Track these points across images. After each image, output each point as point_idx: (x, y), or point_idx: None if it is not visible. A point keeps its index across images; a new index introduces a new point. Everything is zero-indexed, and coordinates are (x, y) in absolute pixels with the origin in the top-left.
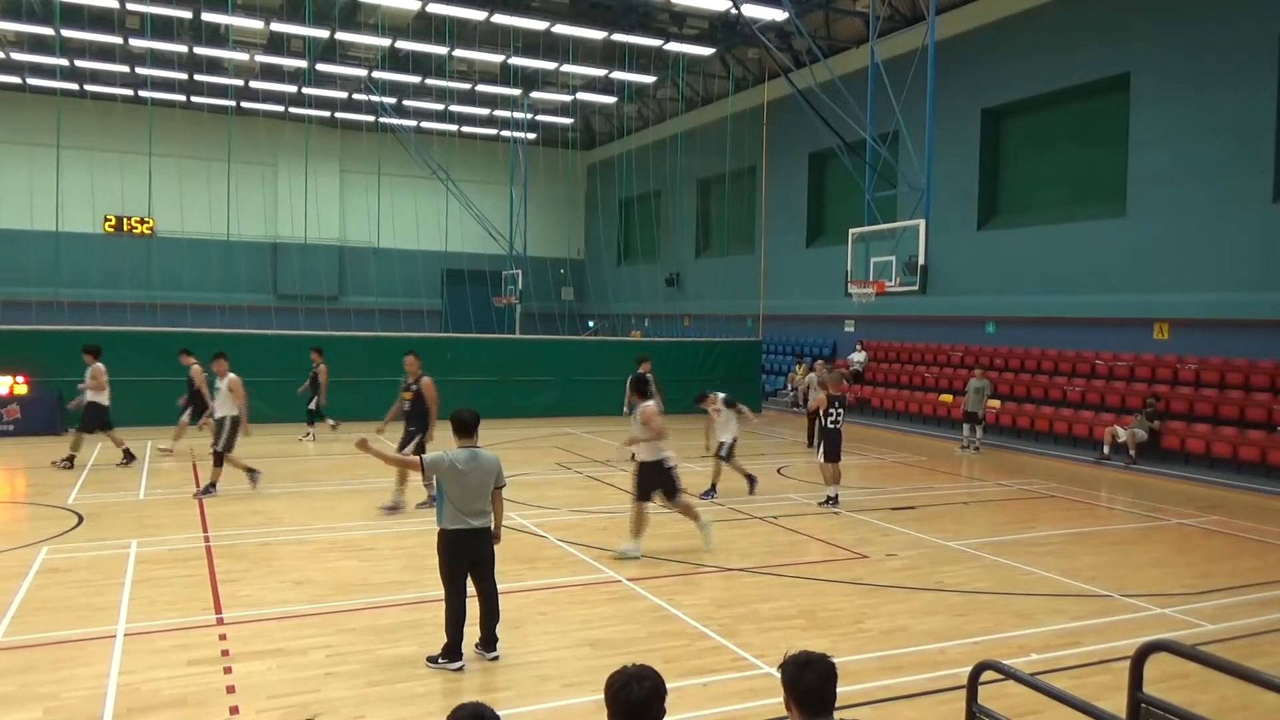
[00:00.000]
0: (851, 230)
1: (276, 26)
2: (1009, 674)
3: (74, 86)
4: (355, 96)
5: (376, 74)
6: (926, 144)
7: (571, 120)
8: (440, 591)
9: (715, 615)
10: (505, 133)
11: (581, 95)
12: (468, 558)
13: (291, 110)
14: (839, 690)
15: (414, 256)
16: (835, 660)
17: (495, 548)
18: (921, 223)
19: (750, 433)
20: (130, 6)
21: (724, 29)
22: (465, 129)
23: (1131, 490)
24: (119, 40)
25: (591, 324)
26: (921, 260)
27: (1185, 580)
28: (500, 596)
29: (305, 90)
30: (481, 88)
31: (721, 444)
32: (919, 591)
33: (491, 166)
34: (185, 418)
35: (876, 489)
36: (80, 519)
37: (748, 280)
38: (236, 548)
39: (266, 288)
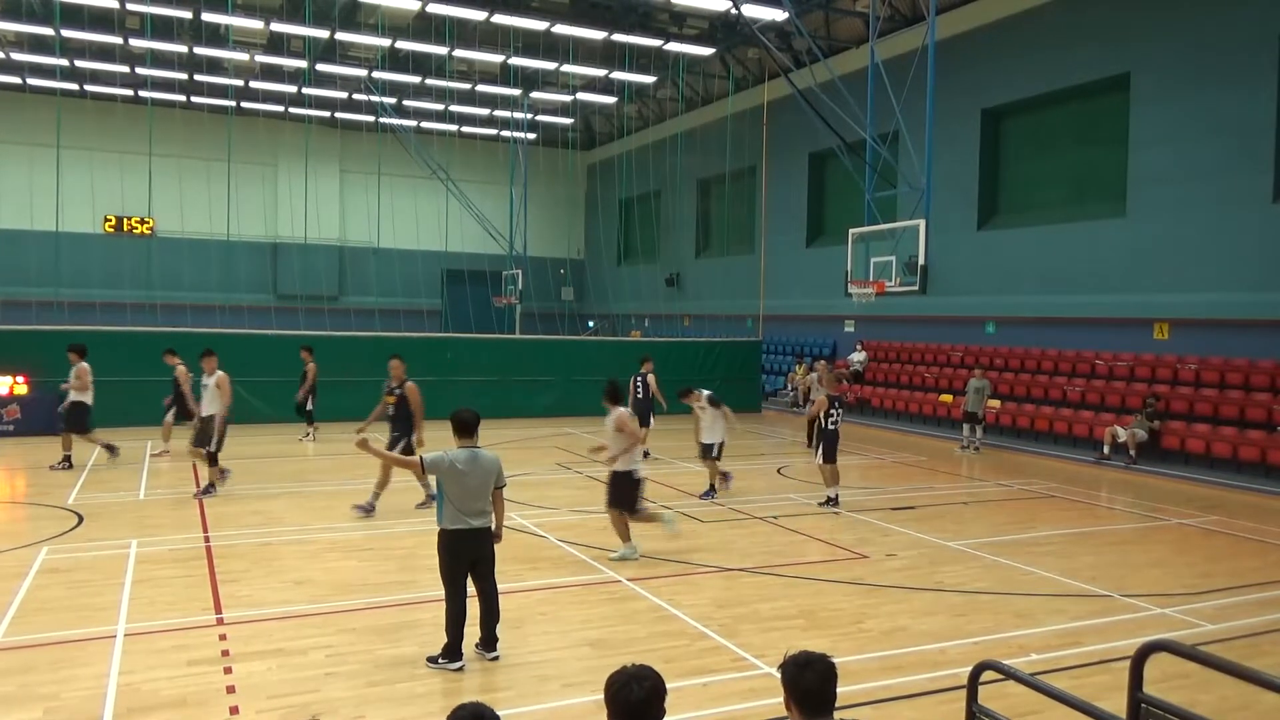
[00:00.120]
0: (851, 230)
1: (276, 26)
2: (1009, 674)
3: (74, 86)
4: (355, 96)
5: (376, 74)
6: (926, 144)
7: (571, 120)
8: (440, 591)
9: (715, 615)
10: (505, 133)
11: (581, 95)
12: (468, 557)
13: (291, 110)
14: (839, 690)
15: (414, 256)
16: (835, 660)
17: (495, 548)
18: (921, 223)
19: (750, 433)
20: (130, 6)
21: (724, 29)
22: (465, 129)
23: (1131, 490)
24: (119, 40)
25: (591, 324)
26: (921, 260)
27: (1185, 580)
28: (500, 596)
29: (305, 90)
30: (481, 88)
31: (711, 445)
32: (919, 591)
33: (491, 166)
34: (169, 417)
35: (876, 489)
36: (80, 519)
37: (748, 280)
38: (236, 548)
39: (266, 288)
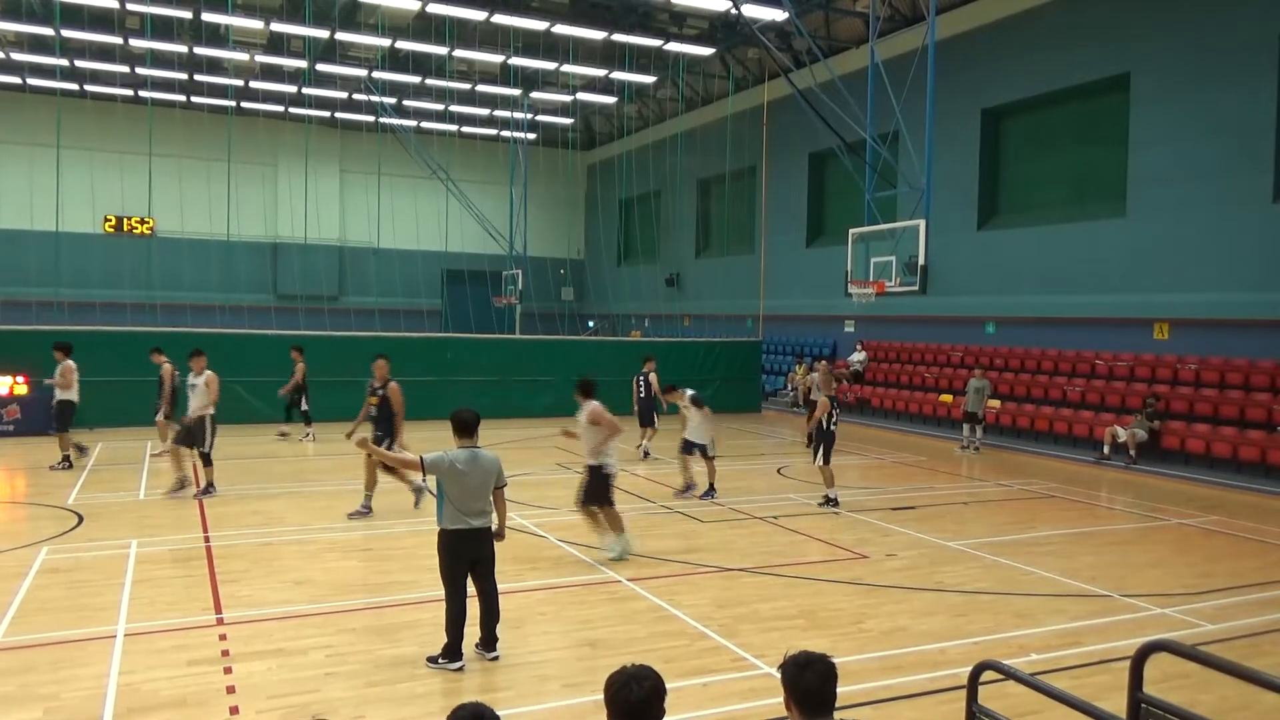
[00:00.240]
0: (851, 230)
1: (276, 26)
2: (1009, 674)
3: (74, 86)
4: (355, 96)
5: (376, 74)
6: (926, 144)
7: (571, 120)
8: (440, 591)
9: (715, 615)
10: (505, 133)
11: (581, 95)
12: (468, 557)
13: (291, 110)
14: (839, 690)
15: (414, 256)
16: (835, 660)
17: (496, 547)
18: (921, 223)
19: (750, 433)
20: (130, 6)
21: (724, 29)
22: (465, 129)
23: (1131, 490)
24: (119, 40)
25: (591, 324)
26: (921, 260)
27: (1185, 580)
28: (500, 596)
29: (305, 90)
30: (481, 88)
31: (693, 444)
32: (919, 591)
33: (491, 166)
34: (160, 416)
35: (876, 489)
36: (80, 519)
37: (748, 280)
38: (236, 548)
39: (266, 288)
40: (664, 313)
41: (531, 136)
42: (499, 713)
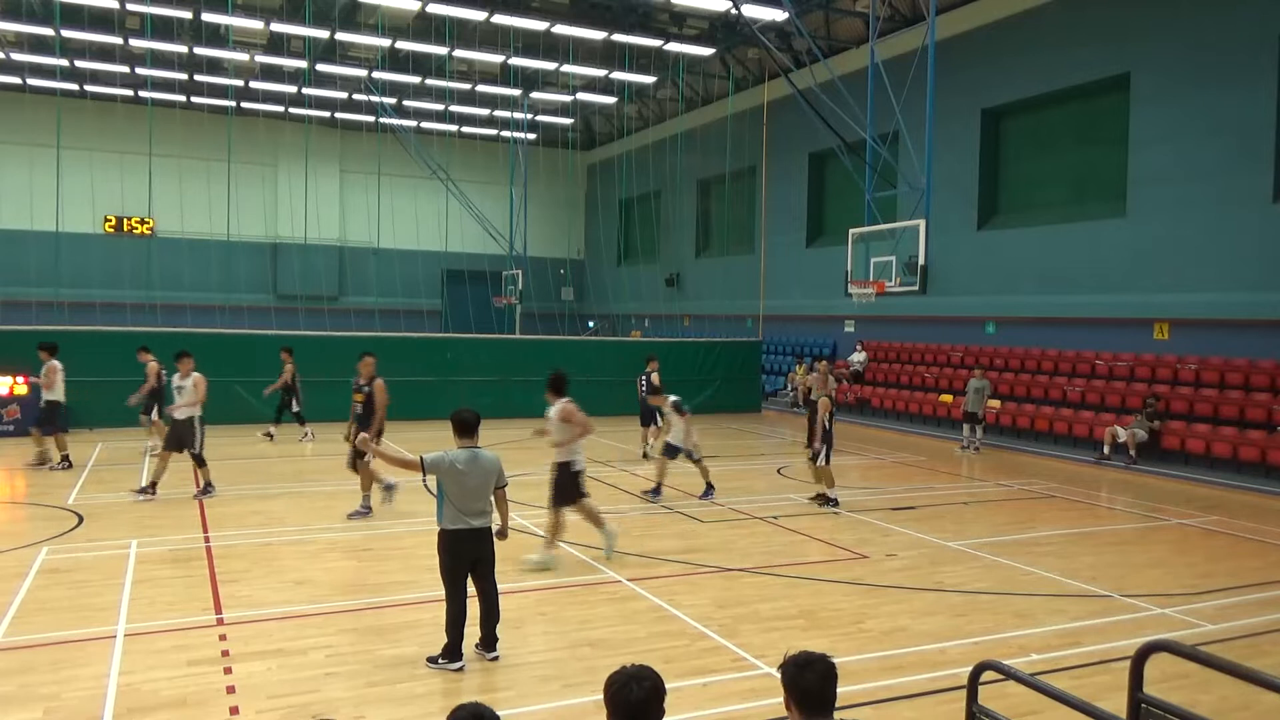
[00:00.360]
0: (851, 230)
1: (276, 27)
2: (1009, 674)
3: (74, 87)
4: (355, 97)
5: (376, 74)
6: (926, 144)
7: (571, 120)
8: (440, 591)
9: (715, 615)
10: (505, 133)
11: (581, 95)
12: (468, 557)
13: (291, 110)
14: (839, 690)
15: (414, 257)
16: (835, 660)
17: (495, 548)
18: (921, 223)
19: (750, 433)
20: (130, 6)
21: (724, 29)
22: (465, 129)
23: (1131, 490)
24: (119, 40)
25: (592, 324)
26: (921, 260)
27: (1185, 580)
28: (500, 596)
29: (305, 90)
30: (481, 88)
31: (681, 450)
32: (919, 591)
33: (491, 166)
34: (155, 415)
35: (876, 489)
36: (80, 519)
37: (748, 280)
38: (236, 548)
39: (266, 288)
40: (664, 313)
41: (531, 136)
42: (499, 713)
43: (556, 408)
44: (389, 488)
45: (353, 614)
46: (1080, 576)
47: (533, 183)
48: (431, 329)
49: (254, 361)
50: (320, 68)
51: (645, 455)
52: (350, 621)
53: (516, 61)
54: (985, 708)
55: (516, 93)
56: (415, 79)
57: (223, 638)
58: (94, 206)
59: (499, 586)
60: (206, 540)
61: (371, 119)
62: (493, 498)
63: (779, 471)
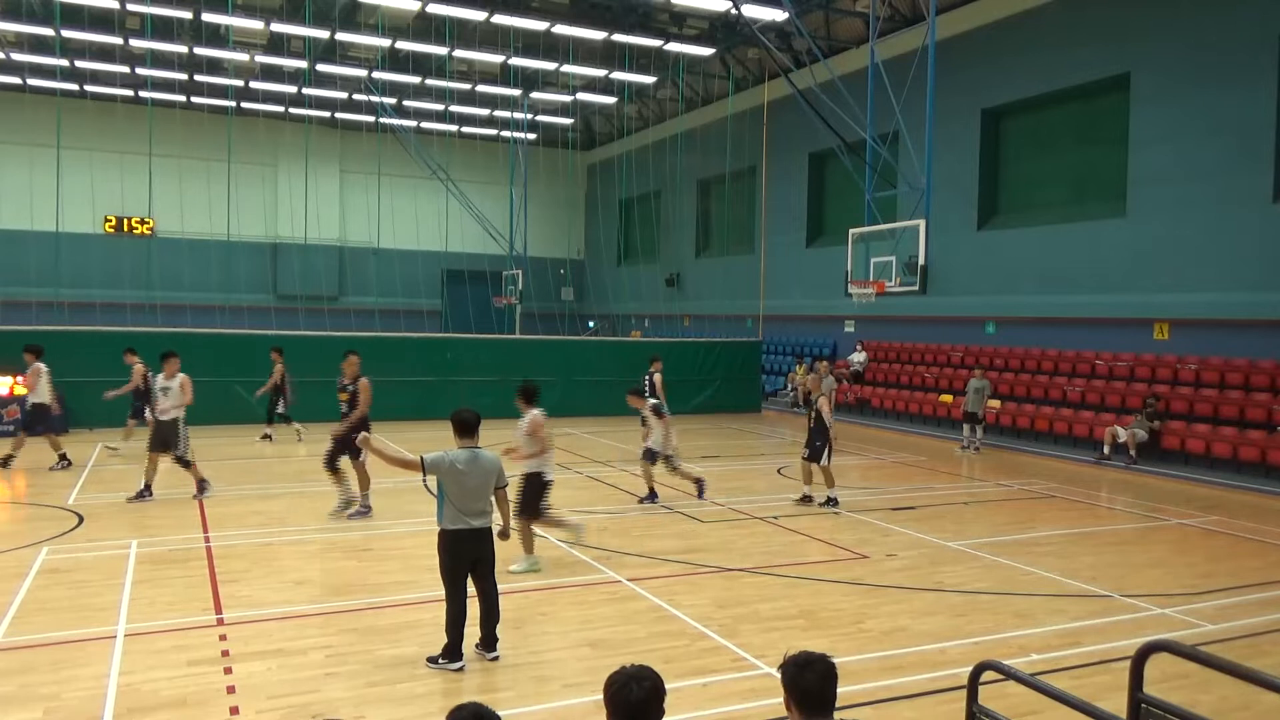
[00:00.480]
0: (851, 230)
1: (276, 27)
2: (1009, 674)
3: (74, 87)
4: (355, 97)
5: (376, 74)
6: (926, 144)
7: (571, 120)
8: (440, 592)
9: (715, 615)
10: (505, 133)
11: (581, 95)
12: (468, 557)
13: (291, 110)
14: (839, 690)
15: (414, 257)
16: (835, 660)
17: (495, 548)
18: (921, 223)
19: (750, 433)
20: (130, 7)
21: (724, 29)
22: (465, 129)
23: (1131, 490)
24: (119, 40)
25: (592, 324)
26: (921, 260)
27: (1185, 580)
28: (500, 597)
29: (305, 90)
30: (481, 88)
31: (660, 454)
32: (919, 592)
33: (491, 167)
34: (149, 415)
35: (877, 489)
36: (80, 519)
37: (748, 280)
38: (236, 548)
39: (266, 288)
40: (664, 313)
41: (531, 136)
42: (499, 713)
43: (526, 419)
44: (350, 502)
45: (353, 614)
46: (1080, 576)
47: (533, 183)
48: (431, 329)
49: (254, 361)
50: (320, 68)
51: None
52: (350, 621)
53: (516, 61)
54: (985, 708)
55: (516, 93)
56: (415, 79)
57: (223, 638)
58: (94, 206)
59: (499, 587)
60: (206, 540)
61: (371, 119)
62: (493, 498)
63: (779, 471)
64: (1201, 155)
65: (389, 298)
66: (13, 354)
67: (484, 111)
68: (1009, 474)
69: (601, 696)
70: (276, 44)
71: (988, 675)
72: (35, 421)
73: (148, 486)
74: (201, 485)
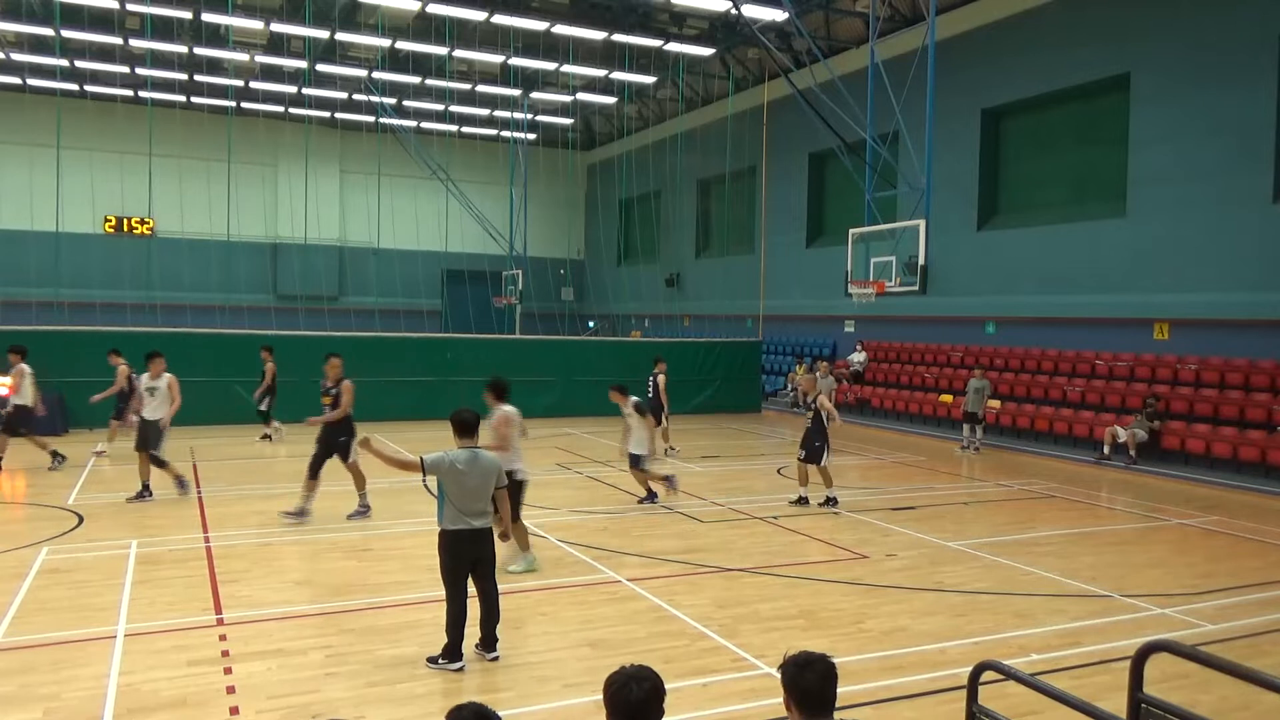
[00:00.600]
0: (851, 230)
1: (276, 27)
2: (1009, 674)
3: (74, 87)
4: (355, 97)
5: (376, 74)
6: (926, 144)
7: (571, 120)
8: (440, 592)
9: (715, 615)
10: (505, 133)
11: (581, 95)
12: (468, 558)
13: (291, 110)
14: (839, 690)
15: (414, 257)
16: (835, 660)
17: (495, 548)
18: (921, 223)
19: (750, 433)
20: (130, 7)
21: (724, 29)
22: (465, 129)
23: (1131, 490)
24: (119, 41)
25: (592, 324)
26: (921, 260)
27: (1185, 580)
28: (500, 597)
29: (305, 91)
30: (481, 88)
31: (639, 456)
32: (919, 592)
33: (491, 167)
34: (132, 415)
35: (877, 489)
36: (80, 519)
37: (748, 280)
38: (236, 548)
39: (266, 288)
40: (664, 313)
41: (531, 137)
42: (499, 713)
43: (494, 415)
44: (304, 512)
45: (353, 614)
46: (1080, 576)
47: (533, 183)
48: (431, 329)
49: (254, 362)
50: (320, 68)
51: (666, 452)
52: (350, 621)
53: (516, 61)
54: (985, 708)
55: (516, 93)
56: (415, 79)
57: (223, 638)
58: (94, 206)
59: (499, 587)
60: (206, 540)
61: (371, 119)
62: (494, 498)
63: (779, 471)
64: (1201, 155)
65: (389, 298)
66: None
67: (484, 111)
68: (1009, 474)
69: (601, 696)
70: (276, 44)
71: (988, 675)
72: (18, 423)
73: (146, 486)
74: (180, 482)
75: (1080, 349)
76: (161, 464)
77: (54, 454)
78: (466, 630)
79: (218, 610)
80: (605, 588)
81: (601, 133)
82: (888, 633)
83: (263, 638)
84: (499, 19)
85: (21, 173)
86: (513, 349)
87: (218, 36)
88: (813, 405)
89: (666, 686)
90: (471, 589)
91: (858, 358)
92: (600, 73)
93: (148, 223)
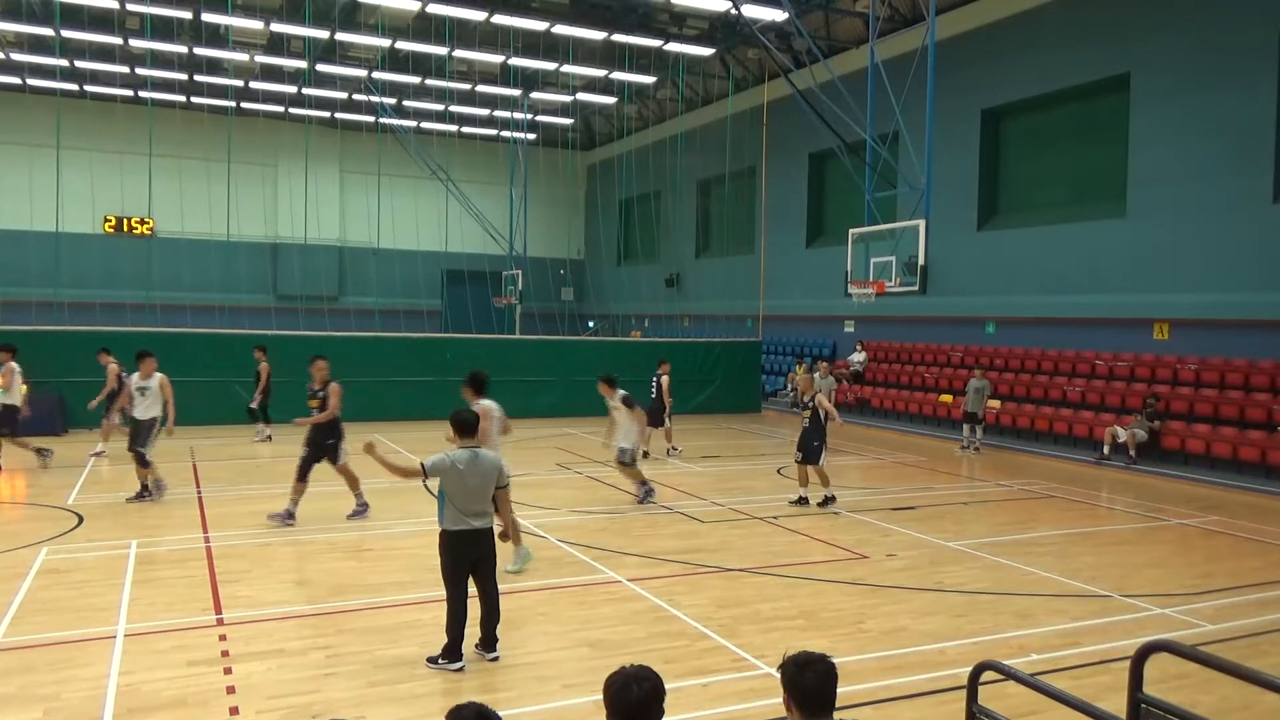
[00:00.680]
0: (851, 230)
1: (276, 27)
2: (1009, 674)
3: (74, 87)
4: (355, 97)
5: (376, 74)
6: (926, 144)
7: (571, 121)
8: (440, 591)
9: (715, 615)
10: (505, 133)
11: (581, 95)
12: (469, 558)
13: (291, 110)
14: (839, 690)
15: (414, 257)
16: (835, 660)
17: (496, 548)
18: (921, 223)
19: (750, 433)
20: (130, 7)
21: (724, 29)
22: (465, 129)
23: (1131, 490)
24: (119, 41)
25: (592, 324)
26: (921, 260)
27: (1185, 580)
28: (500, 597)
29: (305, 90)
30: (481, 88)
31: (624, 450)
32: (919, 592)
33: (491, 167)
34: (115, 415)
35: (877, 489)
36: (80, 519)
37: (748, 280)
38: (236, 548)
39: (266, 288)
40: (664, 313)
41: (531, 137)
42: (499, 713)
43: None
44: (290, 515)
45: (353, 614)
46: (1080, 576)
47: (533, 183)
48: (431, 329)
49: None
50: (320, 68)
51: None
52: (350, 621)
53: (516, 61)
54: (985, 708)
55: (516, 93)
56: (415, 79)
57: (223, 638)
58: (94, 206)
59: (499, 587)
60: (206, 540)
61: (371, 119)
62: (494, 498)
63: (779, 471)
64: (1201, 155)
65: (389, 298)
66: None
67: (484, 111)
68: (1009, 474)
69: (601, 697)
70: (276, 44)
71: (988, 675)
72: (2, 423)
73: (145, 486)
74: (143, 491)
75: (1080, 349)
76: (145, 464)
77: (38, 451)
78: (466, 630)
79: (218, 610)
80: (605, 588)
81: (601, 133)
82: (888, 633)
83: (262, 638)
84: (499, 19)
85: (21, 173)
86: (513, 349)
87: (217, 36)
88: (809, 405)
89: (666, 686)
90: (472, 589)
91: (858, 358)
92: (600, 73)
93: (148, 223)
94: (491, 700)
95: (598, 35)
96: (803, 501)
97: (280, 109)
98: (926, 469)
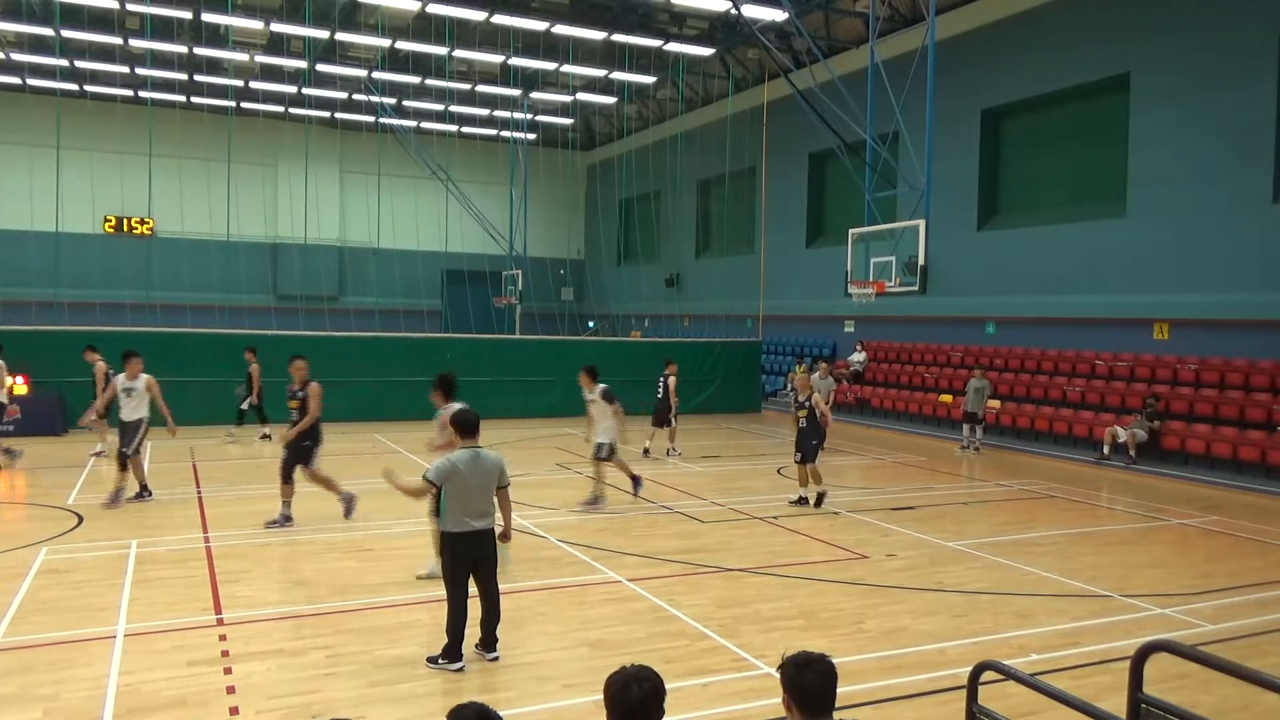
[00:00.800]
0: (851, 230)
1: (276, 27)
2: (1009, 674)
3: (74, 87)
4: (355, 97)
5: (376, 74)
6: (926, 144)
7: (571, 120)
8: (439, 592)
9: (715, 615)
10: (505, 133)
11: (581, 95)
12: (470, 558)
13: (291, 110)
14: (839, 690)
15: (414, 257)
16: (835, 660)
17: (497, 548)
18: (921, 223)
19: (750, 433)
20: (130, 7)
21: (724, 29)
22: (465, 129)
23: (1131, 490)
24: (119, 41)
25: (592, 324)
26: (921, 260)
27: (1185, 580)
28: (500, 597)
29: (305, 90)
30: (481, 88)
31: (601, 445)
32: (919, 592)
33: (491, 167)
34: (94, 415)
35: (877, 489)
36: (80, 519)
37: (748, 280)
38: (236, 548)
39: (266, 288)
40: (664, 313)
41: (531, 137)
42: (499, 713)
43: (442, 413)
44: (287, 519)
45: (353, 614)
46: (1080, 576)
47: (533, 183)
48: (431, 329)
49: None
50: (320, 68)
51: (672, 452)
52: (350, 621)
53: (516, 61)
54: (985, 708)
55: (516, 93)
56: (415, 79)
57: (223, 638)
58: (94, 206)
59: (499, 587)
60: (206, 540)
61: (371, 119)
62: (495, 498)
63: (779, 471)
64: (1201, 155)
65: (389, 298)
66: (13, 354)
67: (484, 111)
68: (1009, 474)
69: (601, 697)
70: (276, 44)
71: (988, 675)
72: None
73: (144, 486)
74: (143, 491)
75: (1080, 349)
76: (124, 466)
77: (6, 451)
78: (466, 630)
79: (217, 610)
80: (605, 588)
81: (601, 133)
82: (888, 633)
83: (262, 638)
84: (499, 19)
85: (21, 173)
86: (512, 349)
87: (217, 36)
88: (806, 405)
89: (666, 686)
90: (472, 589)
91: (857, 358)
92: (600, 73)
93: (147, 223)
94: (491, 700)
95: (598, 35)
96: (803, 501)
97: (280, 109)
98: (926, 469)
